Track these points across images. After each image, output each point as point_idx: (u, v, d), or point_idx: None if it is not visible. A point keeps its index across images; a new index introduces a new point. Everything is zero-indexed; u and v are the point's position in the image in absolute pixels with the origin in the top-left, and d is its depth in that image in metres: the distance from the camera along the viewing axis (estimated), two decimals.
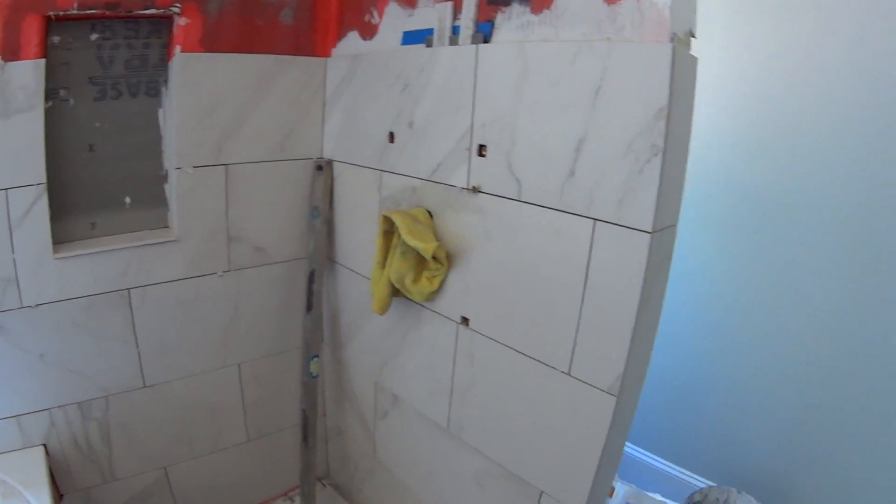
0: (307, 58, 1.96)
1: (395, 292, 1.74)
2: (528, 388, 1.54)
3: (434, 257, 1.59)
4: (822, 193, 2.06)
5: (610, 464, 1.55)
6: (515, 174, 1.45)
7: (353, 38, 1.92)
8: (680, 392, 2.57)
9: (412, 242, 1.56)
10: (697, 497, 2.22)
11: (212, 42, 1.77)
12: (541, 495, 1.60)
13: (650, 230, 1.22)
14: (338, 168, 1.99)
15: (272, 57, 1.89)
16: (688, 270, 2.39)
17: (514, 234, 1.48)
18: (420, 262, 1.65)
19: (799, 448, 2.35)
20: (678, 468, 2.68)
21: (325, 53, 1.99)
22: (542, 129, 1.39)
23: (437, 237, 1.65)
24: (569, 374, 1.44)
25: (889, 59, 1.89)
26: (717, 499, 2.27)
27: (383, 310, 1.75)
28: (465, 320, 1.65)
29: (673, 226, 1.33)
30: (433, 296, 1.69)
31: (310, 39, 1.97)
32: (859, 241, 2.03)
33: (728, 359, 2.41)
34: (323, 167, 1.98)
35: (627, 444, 2.67)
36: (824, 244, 2.09)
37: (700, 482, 2.49)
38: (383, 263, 1.72)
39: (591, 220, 1.32)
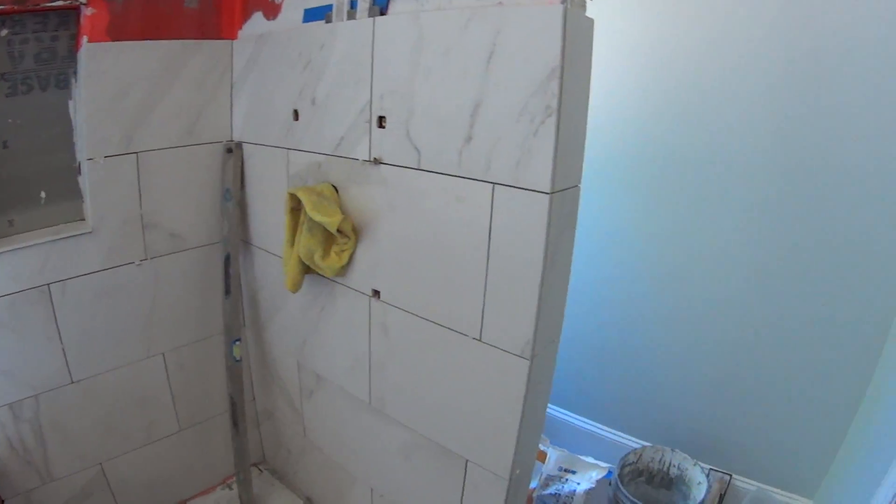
0: (213, 41, 1.91)
1: (307, 269, 1.70)
2: (443, 357, 1.52)
3: (340, 231, 1.56)
4: (742, 156, 2.05)
5: (533, 428, 1.54)
6: (414, 143, 1.43)
7: (257, 18, 1.87)
8: (612, 357, 2.57)
9: (317, 217, 1.52)
10: (632, 457, 2.23)
11: (118, 31, 1.71)
12: (467, 464, 1.59)
13: (548, 191, 1.21)
14: (247, 149, 1.94)
15: (179, 42, 1.83)
16: (614, 233, 2.38)
17: (417, 204, 1.46)
18: (328, 237, 1.61)
19: (723, 406, 2.38)
20: (613, 430, 2.68)
21: (232, 36, 1.94)
22: (438, 97, 1.36)
23: (344, 211, 1.61)
24: (480, 340, 1.42)
25: (798, 17, 1.89)
26: (652, 458, 2.28)
27: (296, 287, 1.72)
28: (376, 293, 1.62)
29: (576, 186, 1.32)
30: (343, 270, 1.66)
31: (215, 23, 1.91)
32: (775, 206, 2.03)
33: (655, 323, 2.41)
34: (233, 149, 1.93)
35: (560, 409, 2.70)
36: (744, 207, 2.09)
37: (634, 443, 2.50)
38: (292, 241, 1.68)
39: (490, 185, 1.30)
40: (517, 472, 1.54)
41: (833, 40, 1.83)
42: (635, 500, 1.98)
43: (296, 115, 1.73)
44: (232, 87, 1.95)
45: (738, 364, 2.28)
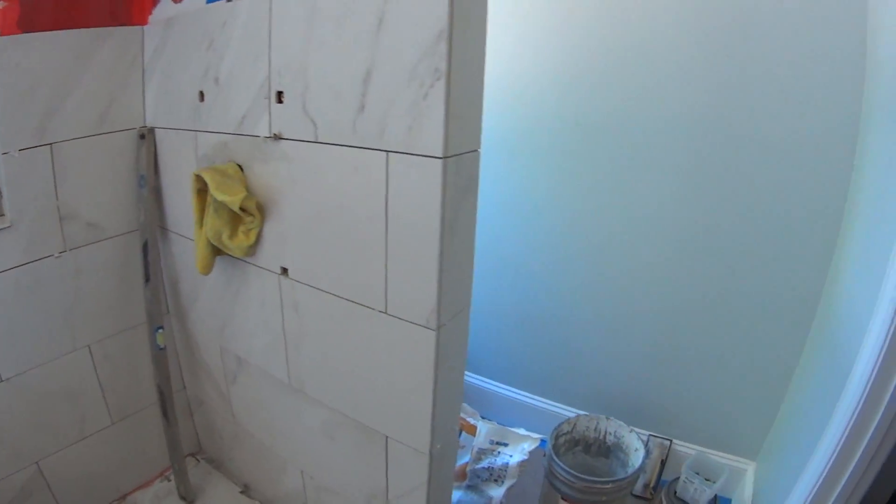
0: (124, 28, 1.85)
1: (218, 251, 1.67)
2: (353, 332, 1.50)
3: (244, 209, 1.53)
4: (669, 122, 2.03)
5: (449, 401, 1.52)
6: (311, 116, 1.40)
7: (166, 2, 1.81)
8: (542, 327, 2.55)
9: (220, 197, 1.49)
10: (566, 427, 2.20)
11: (29, 22, 1.64)
12: (387, 440, 1.58)
13: (441, 155, 1.18)
14: (159, 134, 1.88)
15: (90, 31, 1.77)
16: (540, 201, 2.36)
17: (317, 177, 1.43)
18: (234, 217, 1.57)
19: (660, 373, 2.39)
20: (547, 401, 2.68)
21: (143, 21, 1.88)
22: (331, 68, 1.33)
23: (249, 189, 1.57)
24: (386, 312, 1.40)
25: None
26: (587, 426, 2.26)
27: (206, 270, 1.68)
28: (284, 270, 1.59)
29: (474, 151, 1.29)
30: (252, 249, 1.62)
31: (126, 9, 1.85)
32: (707, 169, 2.02)
33: (585, 292, 2.40)
34: (145, 135, 1.87)
35: (491, 381, 2.70)
36: (676, 172, 2.07)
37: (570, 412, 2.48)
38: (201, 223, 1.63)
39: (384, 153, 1.27)
40: (438, 446, 1.52)
41: (753, 5, 1.81)
42: (569, 470, 1.96)
43: (201, 96, 1.68)
44: (143, 73, 1.89)
45: (672, 331, 2.28)
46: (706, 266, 2.13)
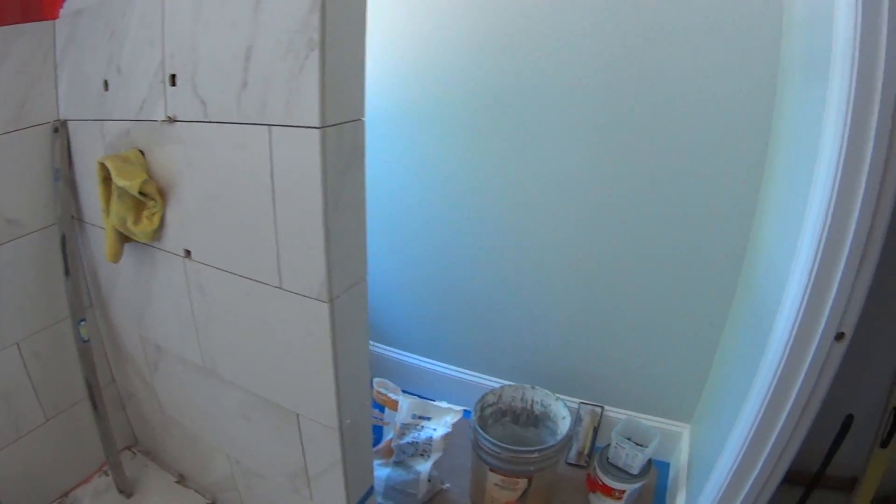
0: (36, 23, 1.84)
1: (126, 238, 1.66)
2: (254, 309, 1.50)
3: (145, 194, 1.53)
4: (580, 86, 2.02)
5: (354, 374, 1.52)
6: (200, 96, 1.40)
7: None
8: (461, 298, 2.55)
9: (120, 182, 1.49)
10: (491, 398, 2.21)
11: None
12: (298, 418, 1.58)
13: (318, 126, 1.18)
14: (72, 127, 1.87)
15: (2, 29, 1.76)
16: (450, 171, 2.34)
17: (210, 157, 1.43)
18: (137, 202, 1.57)
19: (587, 341, 2.41)
20: (472, 373, 2.69)
21: (53, 16, 1.87)
22: (217, 47, 1.33)
23: (151, 174, 1.57)
24: (281, 287, 1.40)
25: None
26: (513, 396, 2.26)
27: (115, 258, 1.67)
28: (188, 253, 1.58)
29: (358, 120, 1.29)
30: (157, 234, 1.62)
31: (38, 4, 1.85)
32: (625, 132, 2.03)
33: (503, 261, 2.40)
34: (59, 129, 1.86)
35: (412, 355, 2.72)
36: (591, 136, 2.07)
37: (495, 383, 2.48)
38: (108, 211, 1.63)
39: (267, 127, 1.27)
40: (347, 421, 1.52)
41: None
42: (493, 441, 1.97)
43: (106, 85, 1.67)
44: (56, 67, 1.88)
45: (596, 296, 2.30)
46: (627, 228, 2.14)
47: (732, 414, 1.63)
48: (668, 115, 1.94)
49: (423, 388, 2.72)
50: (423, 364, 2.78)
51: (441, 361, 2.75)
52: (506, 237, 2.35)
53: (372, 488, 1.81)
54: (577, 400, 2.48)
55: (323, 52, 1.15)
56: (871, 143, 1.14)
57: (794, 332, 1.32)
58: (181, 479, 2.22)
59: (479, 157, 2.27)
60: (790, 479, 1.66)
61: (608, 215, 2.15)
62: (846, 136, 1.15)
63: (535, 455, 1.96)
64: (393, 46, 2.25)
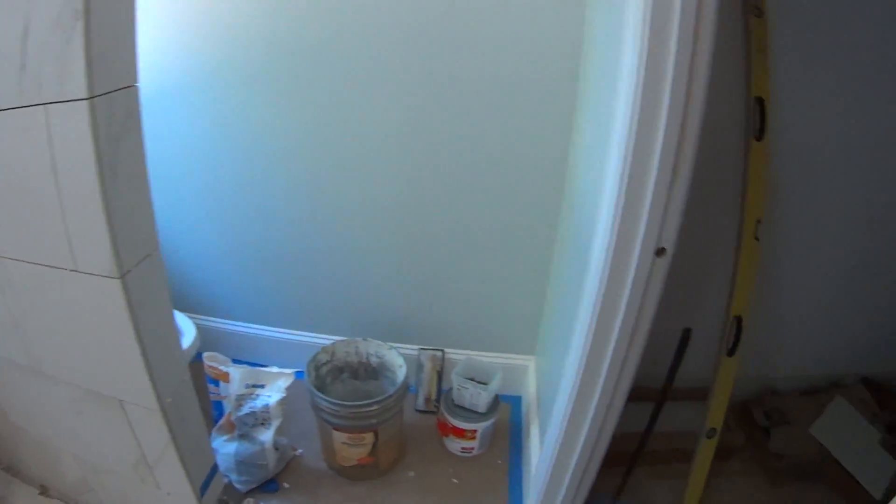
0: None
1: None
2: (58, 298, 1.48)
3: None
4: (390, 40, 2.01)
5: (163, 350, 1.52)
6: None
7: None
8: (288, 262, 2.52)
9: None
10: (323, 356, 2.22)
11: None
12: (122, 404, 1.57)
13: (86, 96, 1.19)
14: None
15: None
16: (260, 135, 2.27)
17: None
18: None
19: (413, 288, 2.46)
20: (306, 333, 2.68)
21: None
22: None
23: None
24: (77, 270, 1.39)
25: None
26: (347, 352, 2.29)
27: None
28: None
29: (130, 86, 1.30)
30: None
31: None
32: (426, 77, 2.04)
33: (325, 223, 2.40)
34: None
35: (244, 323, 2.69)
36: (396, 91, 2.09)
37: (329, 341, 2.40)
38: None
39: (44, 106, 1.26)
40: (168, 400, 1.52)
41: None
42: (329, 399, 1.99)
43: None
44: None
45: (422, 242, 2.35)
46: (447, 165, 2.17)
47: (567, 339, 1.66)
48: (476, 53, 1.97)
49: (257, 356, 2.68)
50: (253, 331, 2.73)
51: (272, 326, 2.72)
52: (324, 195, 2.33)
53: (216, 466, 1.81)
54: (418, 347, 2.51)
55: (88, 22, 1.15)
56: (673, 42, 1.12)
57: (610, 250, 1.34)
58: (43, 491, 2.17)
59: (289, 118, 2.21)
60: (641, 395, 1.74)
61: (426, 158, 2.17)
62: (646, 33, 1.12)
63: (375, 408, 1.99)
64: (194, 6, 2.10)
